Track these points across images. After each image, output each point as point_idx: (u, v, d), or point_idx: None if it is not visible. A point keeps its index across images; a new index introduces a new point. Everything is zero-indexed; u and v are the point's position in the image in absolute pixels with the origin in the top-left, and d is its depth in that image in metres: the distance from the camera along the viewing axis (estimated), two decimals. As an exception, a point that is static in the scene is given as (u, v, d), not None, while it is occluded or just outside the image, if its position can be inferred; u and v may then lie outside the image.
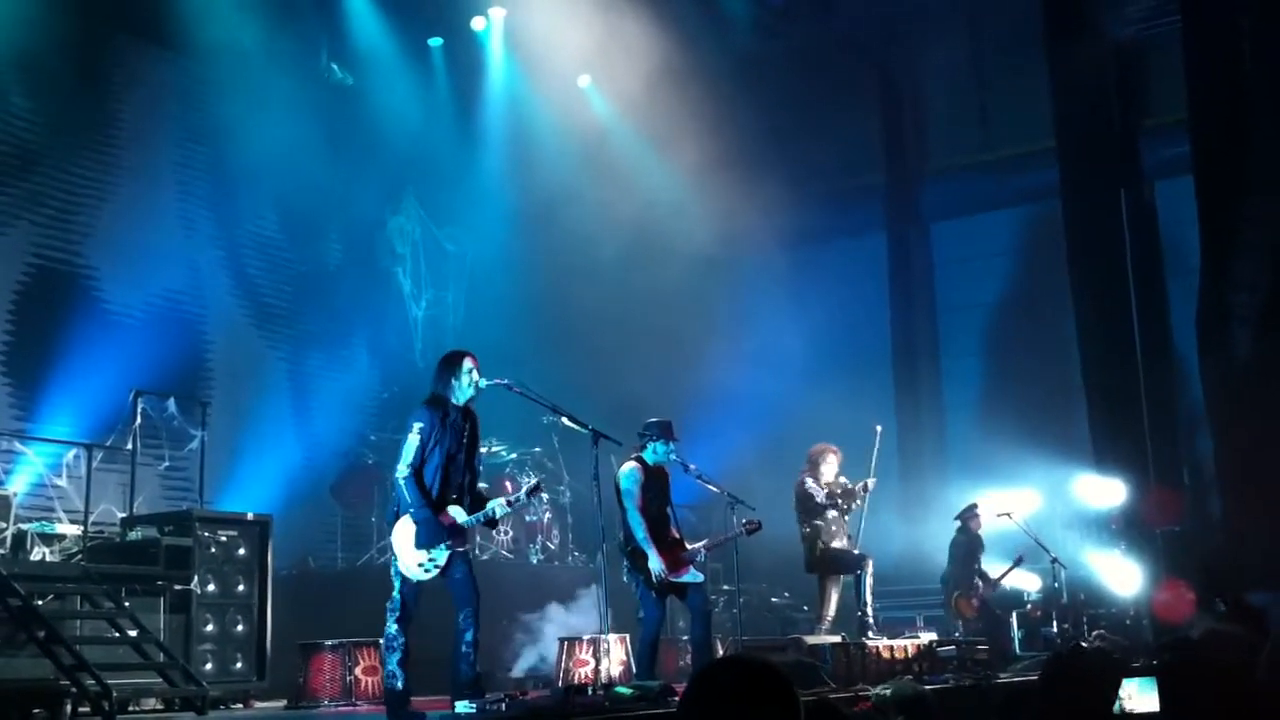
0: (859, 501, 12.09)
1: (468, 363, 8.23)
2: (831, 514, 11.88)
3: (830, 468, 12.11)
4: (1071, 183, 16.08)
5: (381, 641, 8.08)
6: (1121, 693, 3.22)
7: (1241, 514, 13.64)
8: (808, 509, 11.90)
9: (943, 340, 18.52)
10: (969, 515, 14.10)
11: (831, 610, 11.92)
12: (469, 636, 8.04)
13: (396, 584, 7.99)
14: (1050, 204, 16.46)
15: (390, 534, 8.09)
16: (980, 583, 13.93)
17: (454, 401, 8.17)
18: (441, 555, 7.96)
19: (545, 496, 13.55)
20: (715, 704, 2.89)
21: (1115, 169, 16.26)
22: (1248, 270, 13.79)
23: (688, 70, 16.33)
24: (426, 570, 7.94)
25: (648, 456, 9.53)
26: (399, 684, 7.90)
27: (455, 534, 8.08)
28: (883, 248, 18.80)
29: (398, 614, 7.92)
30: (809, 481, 11.93)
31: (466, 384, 8.18)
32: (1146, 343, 15.98)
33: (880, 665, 10.61)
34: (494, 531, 13.43)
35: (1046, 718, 3.15)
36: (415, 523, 7.90)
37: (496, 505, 8.26)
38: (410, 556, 7.92)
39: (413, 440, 7.98)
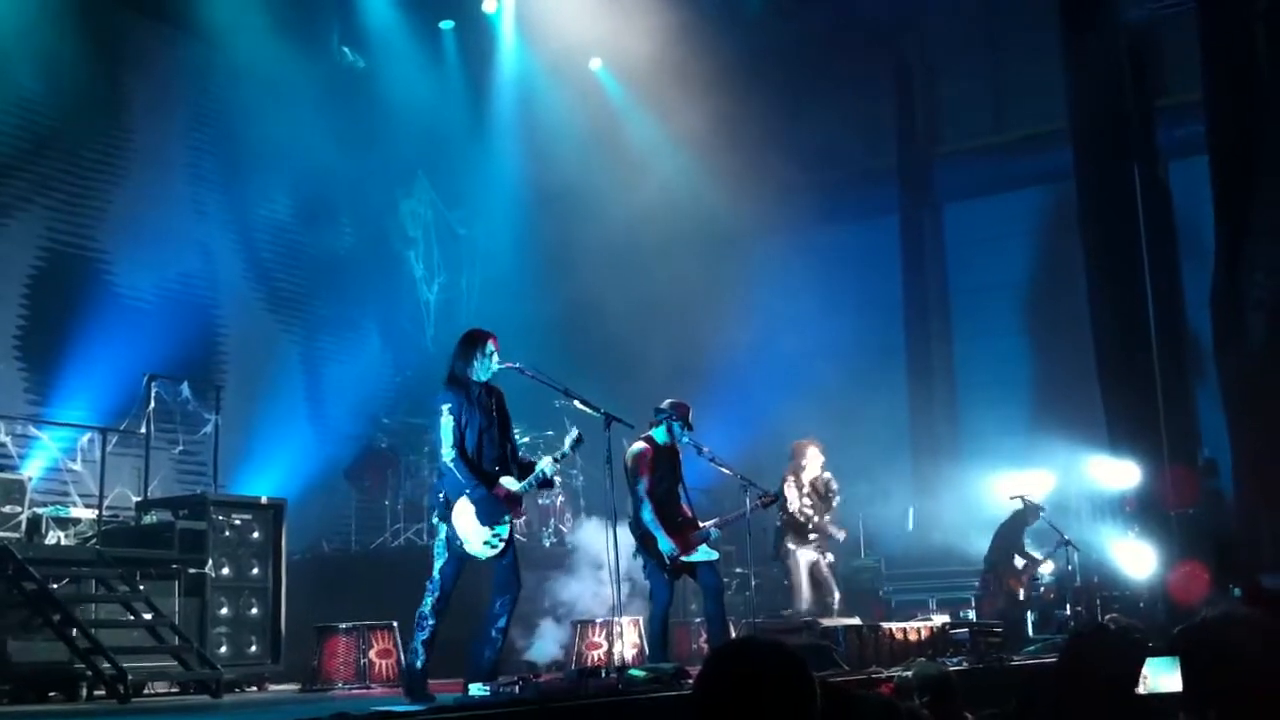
0: (835, 503, 12.13)
1: (490, 344, 8.24)
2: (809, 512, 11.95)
3: (813, 463, 12.13)
4: (1085, 163, 16.00)
5: (416, 618, 8.08)
6: (1144, 672, 3.21)
7: (1256, 497, 13.60)
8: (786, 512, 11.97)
9: (955, 322, 18.47)
10: (1029, 503, 13.98)
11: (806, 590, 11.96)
12: (501, 623, 8.08)
13: (438, 564, 8.01)
14: (1063, 185, 16.38)
15: (439, 517, 8.07)
16: (1026, 563, 13.86)
17: (475, 379, 8.17)
18: (505, 529, 8.02)
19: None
20: (730, 686, 2.89)
21: (1129, 149, 16.17)
22: (1262, 253, 13.72)
23: (699, 53, 16.28)
24: (494, 546, 7.98)
25: (659, 436, 9.51)
26: (419, 662, 7.95)
27: (514, 504, 8.16)
28: (896, 230, 18.74)
29: (436, 595, 7.96)
30: (789, 490, 11.94)
31: (489, 363, 8.20)
32: (1160, 324, 15.90)
33: (893, 647, 10.61)
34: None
35: (1069, 697, 3.14)
36: (473, 502, 7.92)
37: (545, 465, 8.29)
38: (476, 536, 7.94)
39: (447, 422, 7.98)
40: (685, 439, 9.59)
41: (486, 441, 8.13)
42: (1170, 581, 13.62)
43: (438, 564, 8.03)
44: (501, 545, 8.02)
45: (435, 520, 8.21)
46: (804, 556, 12.05)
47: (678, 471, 9.64)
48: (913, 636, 11.06)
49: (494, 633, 8.07)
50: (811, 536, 12.09)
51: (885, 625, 11.01)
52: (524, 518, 13.54)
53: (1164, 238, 16.31)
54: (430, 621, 7.98)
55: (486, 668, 7.97)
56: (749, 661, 2.92)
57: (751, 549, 11.14)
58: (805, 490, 12.06)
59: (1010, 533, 13.96)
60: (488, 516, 7.95)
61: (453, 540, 7.98)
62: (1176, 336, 15.99)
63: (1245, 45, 14.23)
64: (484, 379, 8.22)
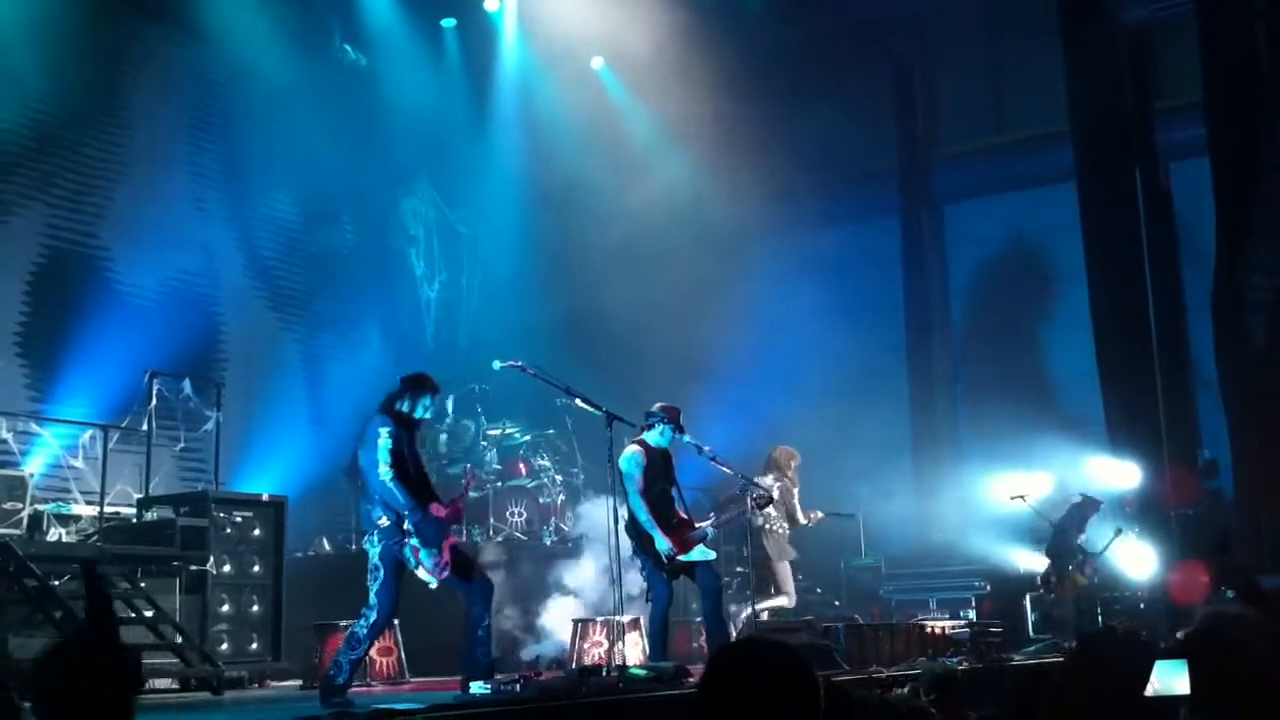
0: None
1: (433, 398, 8.45)
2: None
3: (795, 473, 12.37)
4: (1086, 165, 16.02)
5: (347, 637, 8.02)
6: (1152, 674, 3.22)
7: (1257, 497, 13.63)
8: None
9: (956, 323, 18.47)
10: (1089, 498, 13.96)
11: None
12: (485, 622, 8.13)
13: (375, 587, 7.90)
14: (1064, 187, 16.40)
15: (379, 538, 7.94)
16: (1084, 556, 13.80)
17: (415, 416, 8.28)
18: (445, 552, 8.04)
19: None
20: (734, 687, 2.90)
21: (1130, 151, 16.19)
22: (1263, 254, 13.75)
23: (700, 53, 16.29)
24: (441, 570, 8.00)
25: (651, 439, 9.52)
26: (341, 679, 7.84)
27: (449, 523, 8.20)
28: (896, 231, 18.74)
29: (374, 618, 7.86)
30: (796, 501, 12.29)
31: (425, 412, 8.38)
32: (1161, 325, 15.93)
33: (893, 647, 10.62)
34: (509, 513, 13.46)
35: (1075, 699, 3.15)
36: (413, 525, 7.91)
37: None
38: (426, 558, 7.94)
39: (385, 444, 7.97)
40: (685, 438, 9.61)
41: (416, 471, 8.21)
42: (1171, 582, 13.63)
43: (374, 585, 7.91)
44: (446, 569, 8.02)
45: (370, 544, 8.04)
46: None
47: (671, 473, 9.67)
48: (913, 636, 11.09)
49: (480, 632, 8.10)
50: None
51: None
52: (523, 517, 13.63)
53: (1164, 239, 16.33)
54: (364, 645, 7.95)
55: (484, 665, 7.99)
56: (753, 662, 2.92)
57: (752, 549, 11.16)
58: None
59: (1069, 527, 13.83)
60: (430, 537, 7.95)
61: (404, 562, 7.92)
62: (1177, 337, 16.02)
63: (1246, 46, 14.26)
64: (423, 416, 8.38)
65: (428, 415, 8.41)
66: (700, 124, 16.75)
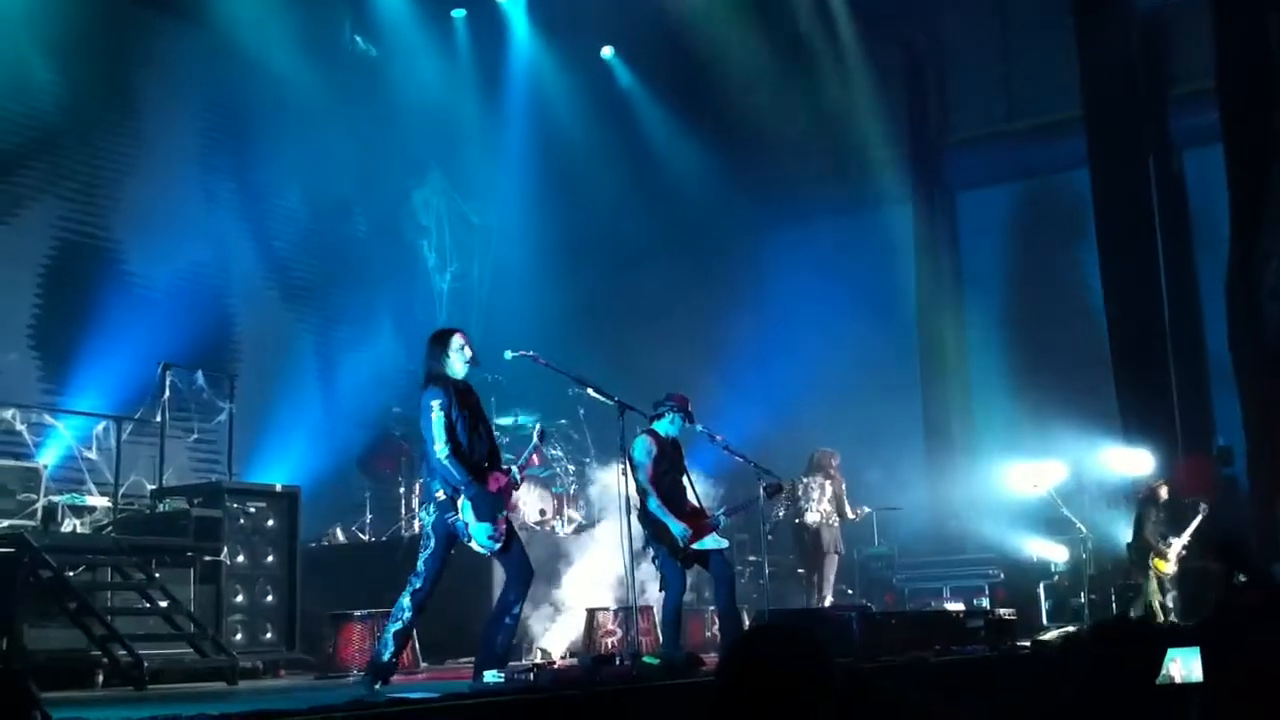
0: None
1: (457, 339, 8.09)
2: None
3: (838, 470, 13.43)
4: (1099, 152, 15.99)
5: (394, 609, 7.91)
6: (1165, 662, 3.22)
7: (1272, 484, 13.59)
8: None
9: (968, 311, 18.43)
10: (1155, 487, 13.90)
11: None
12: (516, 610, 8.06)
13: (424, 554, 7.85)
14: (1076, 174, 16.36)
15: (435, 509, 7.89)
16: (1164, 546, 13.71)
17: (453, 376, 8.04)
18: (501, 523, 7.93)
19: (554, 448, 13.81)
20: (753, 672, 2.90)
21: (1142, 138, 16.15)
22: (1278, 240, 13.69)
23: (712, 42, 16.26)
24: (496, 541, 7.89)
25: (661, 428, 9.51)
26: (386, 654, 7.80)
27: (507, 495, 8.10)
28: (908, 219, 18.70)
29: (418, 586, 7.79)
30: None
31: (461, 360, 8.05)
32: (1175, 312, 15.89)
33: (906, 635, 10.59)
34: (520, 502, 13.45)
35: (1088, 687, 3.15)
36: (469, 499, 7.80)
37: (514, 471, 8.18)
38: (477, 532, 7.84)
39: (438, 418, 7.81)
40: (698, 428, 9.62)
41: (475, 438, 8.03)
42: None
43: (424, 554, 7.87)
44: (502, 539, 7.94)
45: (426, 513, 8.04)
46: None
47: (681, 462, 9.66)
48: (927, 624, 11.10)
49: (508, 619, 8.03)
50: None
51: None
52: (536, 506, 13.63)
53: (1178, 226, 16.30)
54: (408, 614, 7.82)
55: (499, 653, 7.96)
56: (772, 648, 2.93)
57: (764, 538, 11.15)
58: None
59: (1143, 520, 13.75)
60: (486, 512, 7.85)
61: (458, 533, 7.84)
62: (1191, 324, 15.98)
63: (1259, 32, 14.20)
64: (461, 375, 8.09)
65: (467, 365, 8.04)
66: (710, 113, 16.72)
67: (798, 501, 13.25)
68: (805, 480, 13.33)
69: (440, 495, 7.86)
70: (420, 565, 7.87)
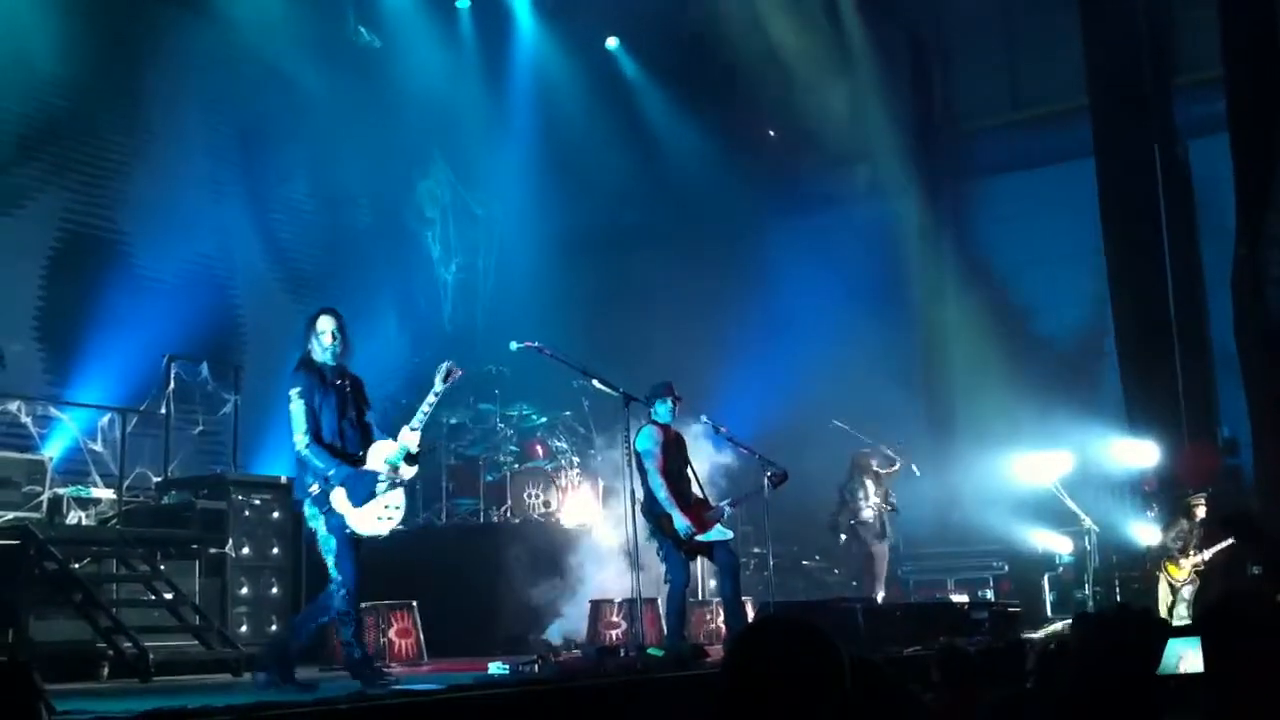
0: None
1: (321, 322, 7.79)
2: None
3: (878, 468, 13.95)
4: (1105, 141, 15.95)
5: (336, 617, 7.64)
6: (1165, 652, 3.21)
7: (1277, 474, 13.56)
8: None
9: (973, 300, 18.36)
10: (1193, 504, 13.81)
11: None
12: (331, 617, 7.74)
13: (331, 560, 7.52)
14: (1082, 163, 16.32)
15: (315, 510, 7.55)
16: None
17: (320, 362, 7.73)
18: (393, 498, 7.59)
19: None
20: (761, 662, 2.89)
21: (1149, 127, 16.10)
22: (1283, 229, 13.65)
23: (715, 32, 16.23)
24: (389, 518, 7.58)
25: (659, 417, 9.54)
26: (357, 653, 7.62)
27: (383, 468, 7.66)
28: (912, 207, 18.65)
29: (345, 591, 7.49)
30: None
31: (320, 346, 7.73)
32: (1180, 301, 15.86)
33: (910, 627, 10.59)
34: (526, 495, 13.44)
35: (1086, 678, 3.14)
36: (340, 484, 7.44)
37: (408, 442, 7.72)
38: (361, 517, 7.49)
39: (297, 407, 7.49)
40: (703, 419, 9.63)
41: (346, 426, 7.68)
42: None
43: (330, 560, 7.52)
44: (398, 512, 7.61)
45: (311, 517, 7.62)
46: None
47: (684, 452, 9.68)
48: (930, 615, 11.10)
49: (324, 620, 7.83)
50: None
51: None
52: (541, 498, 13.62)
53: (1183, 215, 16.25)
54: (351, 615, 7.54)
55: (289, 653, 7.82)
56: (778, 640, 2.92)
57: (769, 528, 11.15)
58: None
59: (1171, 527, 13.70)
60: (363, 492, 7.49)
61: (342, 528, 7.50)
62: (1196, 314, 15.95)
63: (1266, 20, 14.14)
64: (328, 361, 7.74)
65: (328, 351, 7.69)
66: (714, 102, 16.67)
67: (847, 506, 13.81)
68: (850, 485, 13.83)
69: (315, 489, 7.52)
70: (333, 572, 7.53)
